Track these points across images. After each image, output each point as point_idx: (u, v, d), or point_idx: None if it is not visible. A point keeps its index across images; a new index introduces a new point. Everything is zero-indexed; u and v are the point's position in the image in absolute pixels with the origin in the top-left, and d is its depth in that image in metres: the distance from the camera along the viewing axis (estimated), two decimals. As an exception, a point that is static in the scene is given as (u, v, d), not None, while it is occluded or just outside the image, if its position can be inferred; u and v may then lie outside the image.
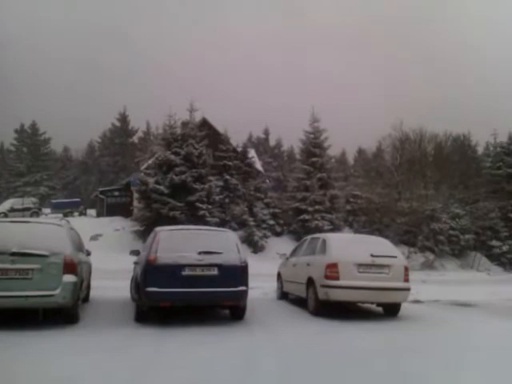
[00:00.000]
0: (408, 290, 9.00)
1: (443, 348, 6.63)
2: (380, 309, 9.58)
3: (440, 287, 15.83)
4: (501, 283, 16.20)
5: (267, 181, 35.06)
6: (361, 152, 53.28)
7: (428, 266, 26.53)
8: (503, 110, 60.68)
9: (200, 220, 23.31)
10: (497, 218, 31.24)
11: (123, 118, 61.43)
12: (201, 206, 24.81)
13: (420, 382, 4.92)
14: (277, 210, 29.20)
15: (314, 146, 30.22)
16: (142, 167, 30.41)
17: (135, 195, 28.61)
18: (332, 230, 26.24)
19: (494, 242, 30.52)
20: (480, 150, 41.44)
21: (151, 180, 25.17)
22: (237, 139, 32.79)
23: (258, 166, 35.07)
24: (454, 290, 15.05)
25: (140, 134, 62.47)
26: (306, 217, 27.90)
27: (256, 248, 26.22)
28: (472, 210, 31.01)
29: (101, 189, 37.99)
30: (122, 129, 61.58)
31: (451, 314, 9.88)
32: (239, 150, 31.60)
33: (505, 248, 30.33)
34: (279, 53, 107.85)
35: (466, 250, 29.67)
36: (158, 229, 8.43)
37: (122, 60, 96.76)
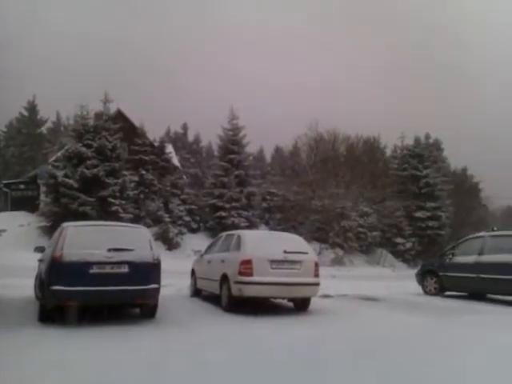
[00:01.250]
0: (318, 284, 9.30)
1: (347, 338, 6.94)
2: (291, 303, 9.83)
3: (348, 282, 16.57)
4: (404, 279, 17.24)
5: (184, 177, 34.67)
6: (278, 150, 54.35)
7: (338, 261, 27.67)
8: (410, 114, 64.80)
9: (112, 216, 22.52)
10: (402, 217, 33.30)
11: (32, 107, 57.79)
12: (114, 201, 23.98)
13: (326, 371, 5.07)
14: (193, 207, 29.00)
15: (232, 143, 30.34)
16: (51, 159, 28.84)
17: (42, 189, 27.11)
18: (248, 227, 26.51)
19: (399, 240, 32.55)
20: (388, 152, 43.84)
21: (60, 173, 23.90)
22: (154, 133, 32.13)
23: (176, 161, 34.60)
24: (361, 284, 15.83)
25: (50, 124, 59.18)
26: (223, 214, 27.97)
27: (171, 245, 25.85)
28: (379, 208, 32.77)
29: (5, 181, 35.46)
30: (30, 118, 57.92)
31: (357, 307, 10.39)
32: (156, 144, 30.97)
33: (408, 245, 32.45)
34: (196, 50, 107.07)
35: (372, 247, 31.35)
36: (65, 224, 8.01)
37: (33, 44, 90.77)
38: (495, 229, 13.23)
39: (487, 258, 11.71)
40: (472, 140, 66.60)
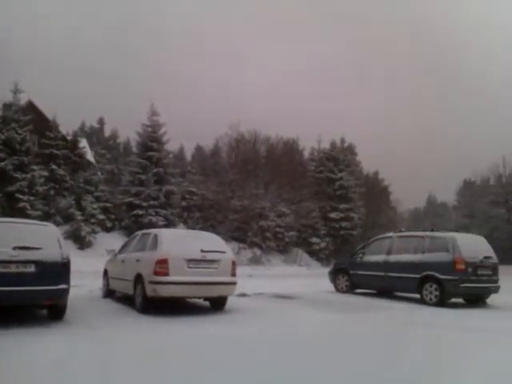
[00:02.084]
0: (235, 283, 9.36)
1: (260, 335, 7.08)
2: (207, 303, 9.79)
3: (265, 281, 16.83)
4: (318, 277, 17.82)
5: (99, 173, 33.41)
6: (199, 149, 53.94)
7: (255, 261, 28.02)
8: (328, 118, 67.17)
9: (19, 213, 21.12)
10: (317, 218, 34.43)
11: None
12: (21, 197, 22.52)
13: (230, 370, 5.09)
14: (108, 205, 27.96)
15: (151, 140, 29.63)
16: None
17: None
18: (166, 226, 26.05)
19: (314, 239, 33.63)
20: (306, 154, 45.02)
21: (-40, 166, 22.07)
22: (67, 127, 30.65)
23: (90, 156, 33.26)
24: (277, 283, 16.14)
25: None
26: (140, 212, 27.26)
27: (83, 244, 24.73)
28: (296, 209, 33.65)
29: None
30: None
31: (272, 305, 10.61)
32: (69, 138, 29.55)
33: (323, 245, 33.63)
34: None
35: (289, 246, 32.11)
36: (-35, 221, 7.41)
37: None
38: (402, 230, 14.09)
39: (394, 258, 12.42)
40: (383, 145, 70.40)
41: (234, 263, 9.42)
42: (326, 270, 15.71)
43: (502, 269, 12.50)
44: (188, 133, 49.17)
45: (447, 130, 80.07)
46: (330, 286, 14.12)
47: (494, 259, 11.98)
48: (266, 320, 8.61)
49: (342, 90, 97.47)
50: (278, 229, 31.30)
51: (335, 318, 9.15)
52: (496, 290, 11.81)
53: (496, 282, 11.82)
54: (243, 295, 11.82)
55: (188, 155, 53.11)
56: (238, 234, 30.12)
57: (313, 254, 33.19)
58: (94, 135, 58.71)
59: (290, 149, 43.68)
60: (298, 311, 9.82)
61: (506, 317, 10.23)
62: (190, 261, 8.70)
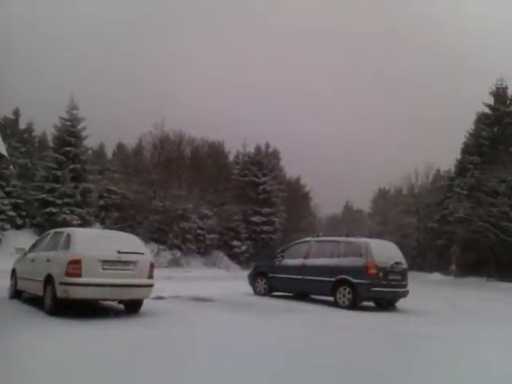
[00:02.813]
0: (151, 286, 9.14)
1: (173, 339, 7.00)
2: (122, 305, 9.49)
3: (184, 283, 16.64)
4: (237, 280, 17.87)
5: (11, 167, 31.35)
6: (121, 147, 52.35)
7: (175, 263, 27.69)
8: (253, 122, 67.84)
9: None
10: (239, 221, 34.70)
11: None
12: None
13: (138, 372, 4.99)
14: (20, 201, 26.41)
15: (69, 135, 28.36)
16: None
17: None
18: (81, 226, 25.00)
19: (235, 242, 33.88)
20: (231, 157, 45.17)
21: None
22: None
23: (2, 149, 31.06)
24: (196, 285, 16.03)
25: None
26: (54, 210, 25.97)
27: (-10, 242, 23.17)
28: (219, 211, 33.68)
29: None
30: None
31: (188, 307, 10.53)
32: (-22, 129, 27.52)
33: (244, 248, 33.96)
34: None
35: (210, 249, 32.07)
36: None
37: None
38: (320, 234, 14.53)
39: (311, 261, 12.76)
40: (307, 153, 72.29)
41: (151, 265, 9.22)
42: (245, 273, 15.81)
43: (410, 274, 13.27)
44: (109, 130, 47.36)
45: (364, 141, 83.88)
46: (248, 288, 14.21)
47: (404, 265, 12.65)
48: (179, 322, 8.56)
49: (267, 96, 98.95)
50: (199, 231, 31.14)
51: (250, 320, 9.23)
52: (405, 294, 12.46)
53: (405, 286, 12.47)
54: (160, 298, 11.57)
55: (109, 153, 51.31)
56: (158, 235, 29.59)
57: (233, 256, 33.36)
58: (8, 127, 55.09)
59: (216, 151, 43.55)
60: (213, 313, 9.84)
61: (411, 321, 10.81)
62: (104, 262, 8.40)
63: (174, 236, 29.71)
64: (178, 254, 29.03)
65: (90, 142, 33.24)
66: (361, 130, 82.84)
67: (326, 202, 61.05)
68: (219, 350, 6.39)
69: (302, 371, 5.40)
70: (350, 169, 78.97)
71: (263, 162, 39.60)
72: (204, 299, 12.14)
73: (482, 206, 30.79)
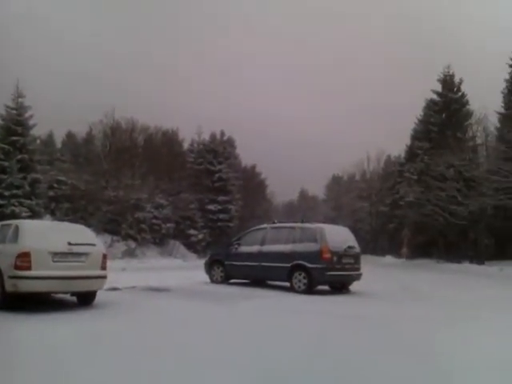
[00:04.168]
0: (105, 277, 8.99)
1: (126, 330, 6.93)
2: (74, 298, 9.28)
3: (139, 274, 16.38)
4: (194, 269, 17.77)
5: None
6: (70, 136, 50.73)
7: (130, 253, 27.21)
8: (208, 110, 67.26)
9: None
10: (195, 209, 34.50)
11: None
12: None
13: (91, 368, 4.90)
14: (-37, 193, 25.14)
15: (15, 124, 27.11)
16: None
17: None
18: (31, 218, 24.07)
19: (192, 231, 33.67)
20: (186, 145, 44.65)
21: None
22: None
23: None
24: (152, 276, 15.79)
25: None
26: (1, 202, 24.84)
27: None
28: (174, 200, 33.31)
29: None
30: None
31: (143, 298, 10.39)
32: None
33: (200, 236, 33.80)
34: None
35: (166, 239, 31.72)
36: None
37: None
38: (276, 221, 14.64)
39: (267, 248, 12.86)
40: (262, 140, 72.39)
41: (104, 256, 9.06)
42: (202, 262, 15.75)
43: (363, 258, 13.61)
44: (58, 118, 45.72)
45: (318, 128, 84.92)
46: (205, 277, 14.18)
47: (357, 249, 12.98)
48: (133, 313, 8.48)
49: (223, 84, 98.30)
50: (154, 220, 30.71)
51: (206, 308, 9.26)
52: (358, 277, 12.80)
53: (358, 269, 12.82)
54: (114, 289, 11.36)
55: (58, 142, 49.62)
56: (111, 226, 28.91)
57: (190, 245, 33.17)
58: None
59: (170, 139, 42.96)
60: (168, 303, 9.79)
61: (365, 303, 11.13)
62: (55, 254, 8.19)
63: (128, 226, 29.15)
64: (133, 244, 28.52)
65: (38, 131, 31.95)
66: (314, 117, 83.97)
67: (281, 190, 61.68)
68: (173, 339, 6.37)
69: (255, 357, 5.43)
70: (304, 156, 79.96)
71: (218, 149, 39.40)
72: (160, 289, 12.01)
73: (431, 190, 31.86)
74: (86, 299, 9.09)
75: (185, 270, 18.82)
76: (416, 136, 39.12)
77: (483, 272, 23.75)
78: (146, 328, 7.17)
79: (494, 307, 10.52)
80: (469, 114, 36.26)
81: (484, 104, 31.48)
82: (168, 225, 31.44)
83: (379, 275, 18.21)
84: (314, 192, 74.33)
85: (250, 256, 13.10)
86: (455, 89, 37.55)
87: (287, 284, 12.37)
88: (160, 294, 11.34)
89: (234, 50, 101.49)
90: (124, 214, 29.42)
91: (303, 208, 69.51)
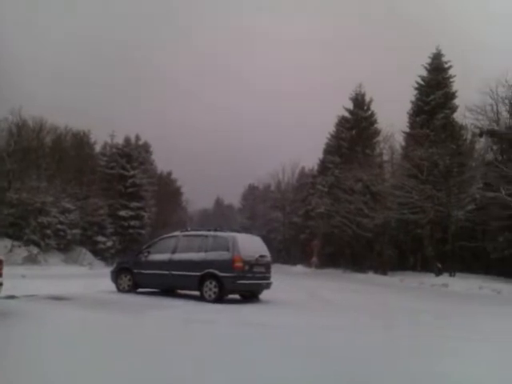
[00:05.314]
0: (0, 285, 8.31)
1: (20, 340, 6.44)
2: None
3: (41, 282, 15.42)
4: (101, 277, 17.04)
5: None
6: (-31, 132, 46.93)
7: (31, 260, 25.67)
8: (123, 114, 65.29)
9: None
10: (105, 215, 33.23)
11: None
12: None
13: None
14: None
15: None
16: None
17: None
18: None
19: (100, 238, 32.40)
20: (98, 148, 42.96)
21: None
22: None
23: None
24: (54, 284, 14.95)
25: None
26: None
27: None
28: (82, 205, 31.91)
29: None
30: None
31: (43, 307, 9.76)
32: None
33: (109, 243, 32.61)
34: None
35: (72, 245, 30.26)
36: None
37: None
38: (188, 229, 14.44)
39: (179, 256, 12.61)
40: (178, 147, 71.55)
41: (1, 262, 8.38)
42: (109, 270, 15.13)
43: (276, 267, 13.81)
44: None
45: (236, 138, 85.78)
46: (112, 286, 13.61)
47: (268, 258, 13.12)
48: (28, 323, 7.95)
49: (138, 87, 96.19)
50: (59, 226, 29.16)
51: (105, 318, 8.86)
52: (268, 286, 12.94)
53: (268, 278, 12.95)
54: (12, 297, 10.57)
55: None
56: (12, 230, 27.07)
57: (98, 252, 31.88)
58: None
59: (80, 141, 41.07)
60: (71, 312, 9.26)
61: (274, 311, 11.26)
62: None
63: (32, 231, 27.41)
64: (35, 250, 26.84)
65: None
66: (231, 127, 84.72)
67: (197, 197, 61.30)
68: (72, 350, 6.02)
69: (157, 370, 5.26)
70: (221, 165, 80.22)
71: (132, 154, 38.38)
72: (61, 298, 11.33)
73: (341, 202, 33.18)
74: (-24, 309, 8.36)
75: (90, 278, 18.03)
76: (328, 150, 40.66)
77: (386, 282, 25.14)
78: (39, 338, 6.70)
79: (397, 316, 11.13)
80: (377, 132, 38.29)
81: (391, 123, 33.40)
82: (74, 231, 30.00)
83: (289, 284, 18.58)
84: (230, 201, 74.73)
85: (160, 264, 12.76)
86: (365, 107, 39.58)
87: (197, 293, 12.21)
88: (61, 302, 10.71)
89: (152, 49, 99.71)
90: (27, 217, 27.71)
91: (218, 216, 69.56)
